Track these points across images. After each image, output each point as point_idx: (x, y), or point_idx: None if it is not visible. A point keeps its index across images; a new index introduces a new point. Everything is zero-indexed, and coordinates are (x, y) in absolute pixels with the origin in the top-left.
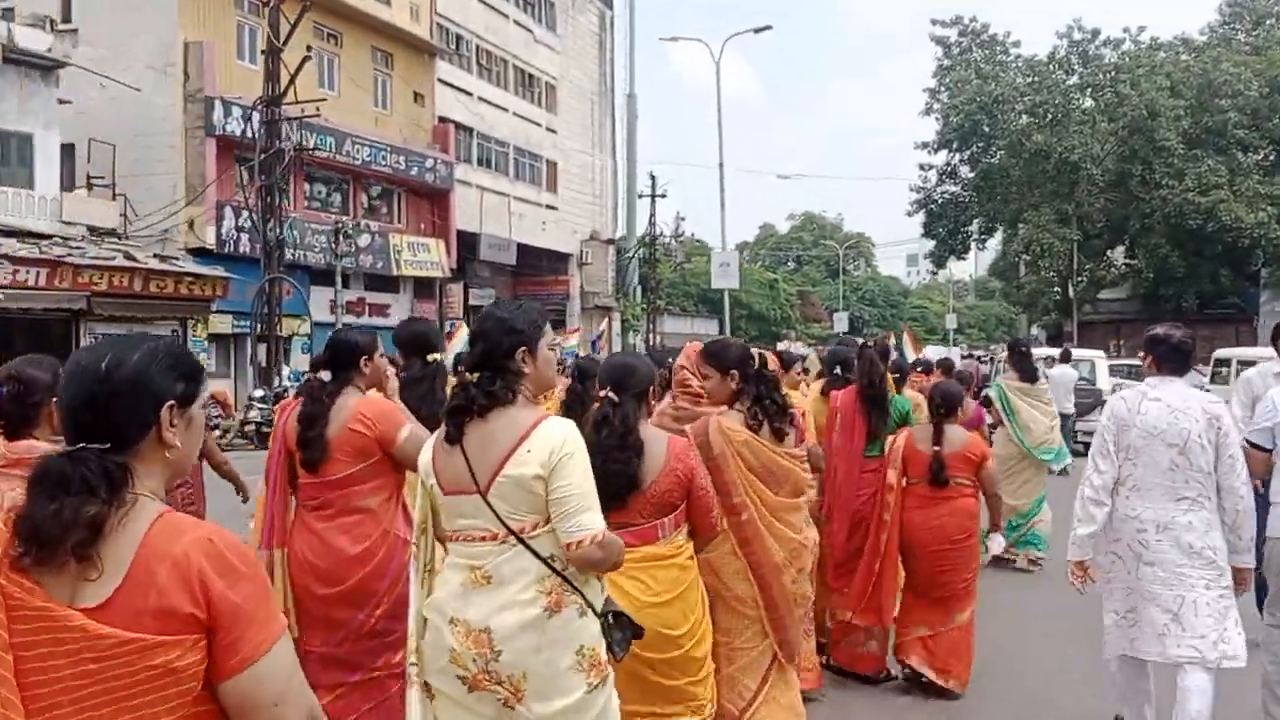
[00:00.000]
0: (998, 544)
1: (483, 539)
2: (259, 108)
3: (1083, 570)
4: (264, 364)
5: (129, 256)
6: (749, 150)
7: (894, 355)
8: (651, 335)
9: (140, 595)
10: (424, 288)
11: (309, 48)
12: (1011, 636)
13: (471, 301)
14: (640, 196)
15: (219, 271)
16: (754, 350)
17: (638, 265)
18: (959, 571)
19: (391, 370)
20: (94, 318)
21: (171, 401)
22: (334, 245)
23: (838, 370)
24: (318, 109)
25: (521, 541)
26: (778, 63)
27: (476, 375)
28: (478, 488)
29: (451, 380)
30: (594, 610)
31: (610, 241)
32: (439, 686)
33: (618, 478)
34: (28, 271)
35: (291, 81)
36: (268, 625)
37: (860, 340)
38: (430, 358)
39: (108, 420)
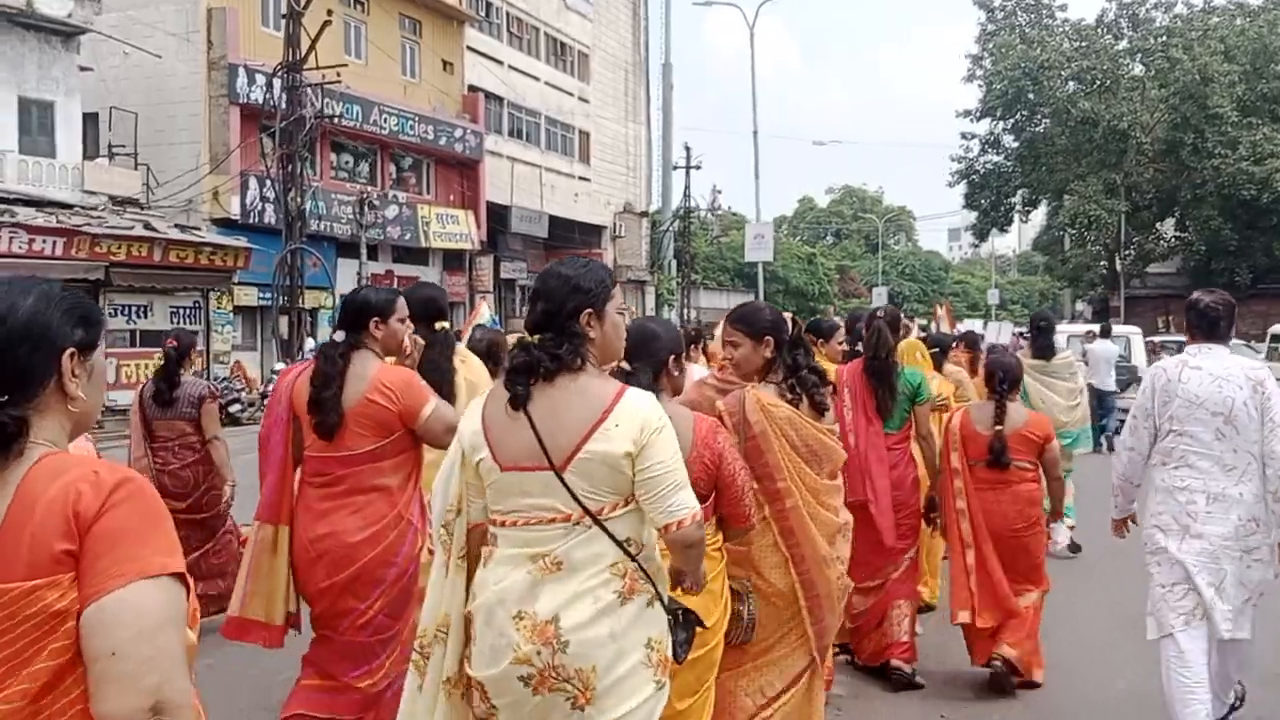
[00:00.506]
0: (1063, 534)
1: (552, 521)
2: (280, 74)
3: (1122, 525)
4: (285, 336)
5: (149, 226)
6: (786, 119)
7: (931, 329)
8: (686, 310)
9: (14, 541)
10: (453, 260)
11: (329, 12)
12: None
13: (503, 275)
14: (675, 168)
15: (241, 242)
16: (788, 315)
17: (673, 238)
18: (1022, 557)
19: (412, 337)
20: (113, 288)
21: (71, 349)
22: (358, 216)
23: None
24: (338, 75)
25: (599, 523)
26: (814, 28)
27: (538, 337)
28: (550, 464)
29: (467, 356)
30: (662, 602)
31: (644, 214)
32: (497, 699)
33: None
34: (44, 241)
35: (312, 46)
36: (132, 559)
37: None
38: (438, 325)
39: (2, 371)
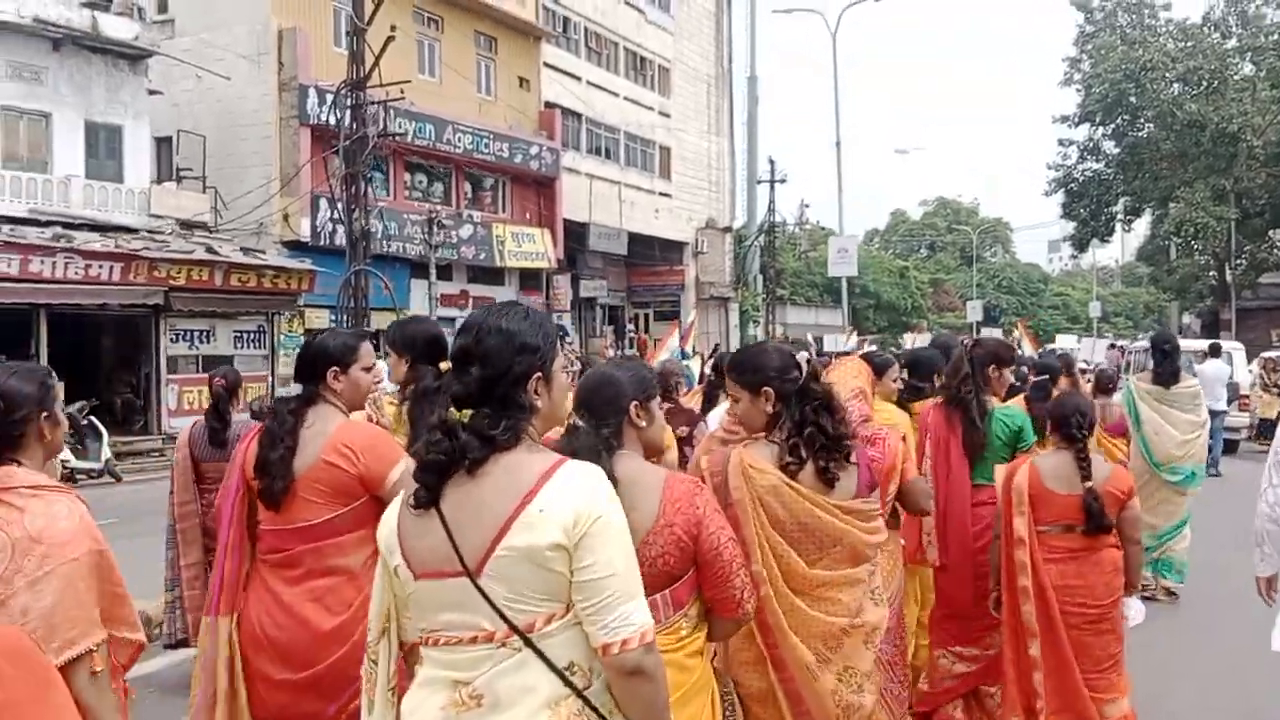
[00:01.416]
0: (1137, 611)
1: (473, 640)
2: (343, 91)
3: (1270, 586)
4: None
5: (211, 250)
6: (873, 129)
7: (1018, 355)
8: (772, 326)
9: None
10: (530, 279)
11: (393, 27)
12: (1145, 678)
13: (583, 294)
14: (759, 182)
15: (305, 264)
16: (802, 356)
17: (758, 254)
18: (1107, 646)
19: (385, 385)
20: (173, 313)
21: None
22: (428, 236)
23: (908, 375)
24: (402, 92)
25: (529, 644)
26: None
27: (468, 413)
28: (465, 567)
29: None
30: None
31: (727, 229)
32: None
33: None
34: (100, 266)
35: (376, 63)
36: None
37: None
38: (444, 367)
39: None
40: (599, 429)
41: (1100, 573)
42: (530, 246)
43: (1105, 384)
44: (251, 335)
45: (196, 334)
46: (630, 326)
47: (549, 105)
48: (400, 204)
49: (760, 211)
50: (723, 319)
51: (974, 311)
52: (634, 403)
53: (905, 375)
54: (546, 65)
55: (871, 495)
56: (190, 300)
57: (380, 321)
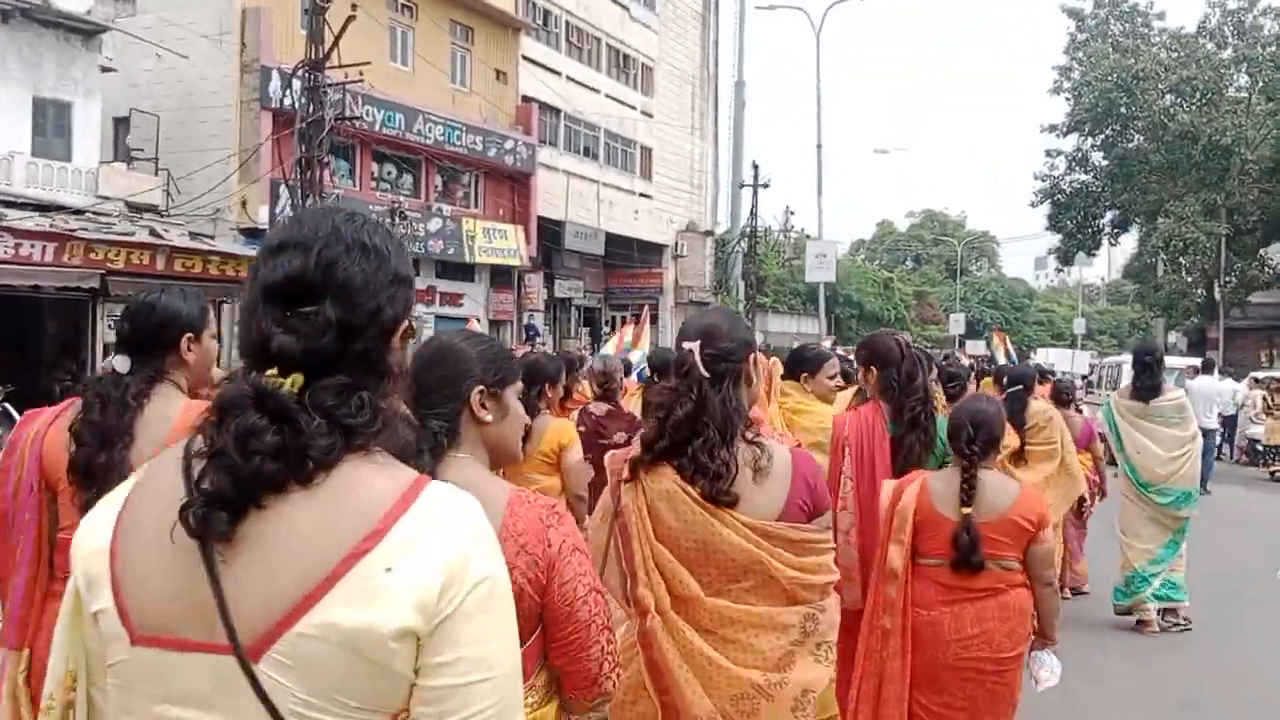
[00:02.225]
0: (1049, 671)
1: None
2: (300, 73)
3: None
4: None
5: (154, 233)
6: (861, 130)
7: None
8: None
9: None
10: (501, 276)
11: (354, 6)
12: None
13: (558, 294)
14: (741, 186)
15: (252, 250)
16: (688, 350)
17: (740, 260)
18: (996, 704)
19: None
20: (110, 298)
21: None
22: (390, 227)
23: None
24: (361, 73)
25: None
26: (886, 34)
27: (302, 381)
28: (233, 641)
29: None
30: None
31: (708, 233)
32: None
33: None
34: (32, 246)
35: (335, 43)
36: None
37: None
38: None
39: None
40: (424, 419)
41: (1001, 618)
42: (502, 243)
43: (1063, 394)
44: None
45: None
46: (606, 329)
47: (526, 99)
48: (366, 195)
49: (744, 217)
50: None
51: (956, 324)
52: (479, 388)
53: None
54: (525, 58)
55: (813, 520)
56: (129, 285)
57: None
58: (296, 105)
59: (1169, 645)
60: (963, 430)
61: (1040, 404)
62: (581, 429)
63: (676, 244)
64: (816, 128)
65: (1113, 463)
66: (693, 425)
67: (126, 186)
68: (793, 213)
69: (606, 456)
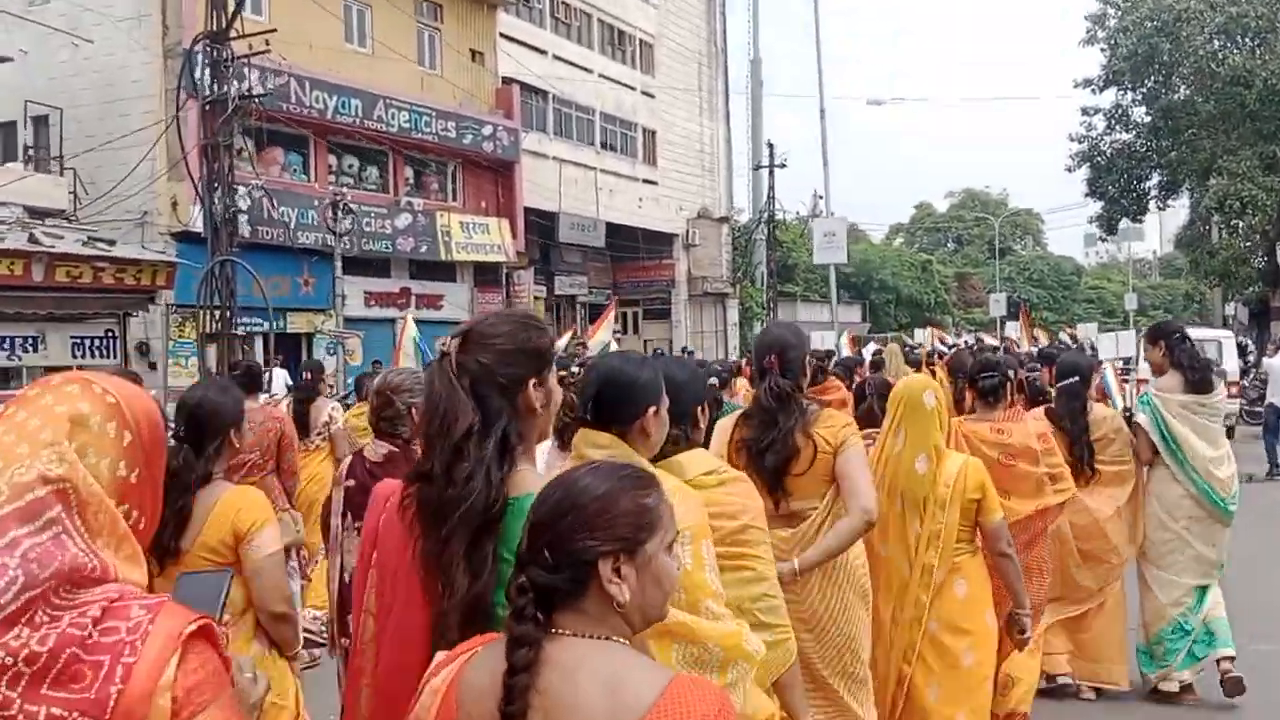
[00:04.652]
0: None
1: None
2: (201, 47)
3: None
4: (214, 368)
5: (33, 240)
6: (875, 99)
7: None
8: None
9: None
10: (486, 274)
11: None
12: None
13: (559, 290)
14: (757, 167)
15: (163, 255)
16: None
17: (763, 246)
18: None
19: None
20: None
21: None
22: (329, 222)
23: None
24: (267, 42)
25: None
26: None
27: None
28: None
29: None
30: None
31: (724, 220)
32: None
33: None
34: None
35: (239, 10)
36: None
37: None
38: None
39: None
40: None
41: None
42: (483, 238)
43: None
44: (98, 341)
45: (19, 341)
46: (616, 327)
47: (507, 81)
48: (322, 191)
49: (762, 200)
50: (719, 317)
51: (997, 306)
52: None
53: None
54: (504, 36)
55: None
56: (4, 300)
57: (306, 322)
58: (197, 85)
59: None
60: None
61: (1104, 409)
62: (350, 483)
63: (688, 233)
64: (819, 91)
65: None
66: None
67: (22, 189)
68: (821, 197)
69: None
